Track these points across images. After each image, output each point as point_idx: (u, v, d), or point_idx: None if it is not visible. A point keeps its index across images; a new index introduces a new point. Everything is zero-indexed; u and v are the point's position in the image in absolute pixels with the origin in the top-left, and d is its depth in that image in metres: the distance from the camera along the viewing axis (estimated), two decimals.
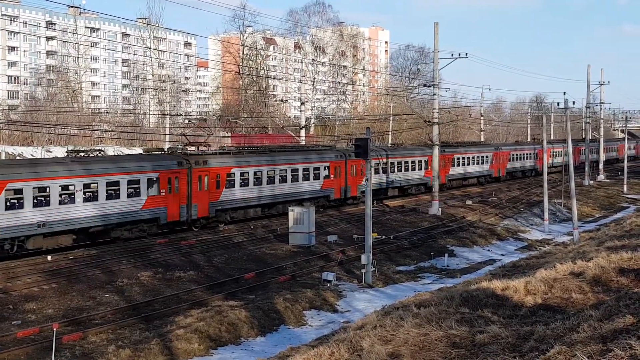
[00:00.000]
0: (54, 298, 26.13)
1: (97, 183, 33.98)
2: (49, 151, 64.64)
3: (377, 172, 54.09)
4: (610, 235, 33.84)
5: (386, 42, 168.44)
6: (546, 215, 50.79)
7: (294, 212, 37.68)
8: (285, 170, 45.83)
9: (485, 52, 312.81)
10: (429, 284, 31.75)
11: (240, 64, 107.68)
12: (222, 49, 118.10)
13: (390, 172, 56.96)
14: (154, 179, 36.91)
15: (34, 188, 31.36)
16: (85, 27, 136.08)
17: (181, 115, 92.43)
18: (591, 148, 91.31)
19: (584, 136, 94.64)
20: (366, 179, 32.97)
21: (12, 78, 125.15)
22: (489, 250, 41.80)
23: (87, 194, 33.49)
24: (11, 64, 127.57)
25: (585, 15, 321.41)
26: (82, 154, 37.14)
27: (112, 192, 34.76)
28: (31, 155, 61.83)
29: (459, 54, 53.85)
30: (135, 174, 35.96)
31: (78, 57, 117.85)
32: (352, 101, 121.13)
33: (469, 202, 58.41)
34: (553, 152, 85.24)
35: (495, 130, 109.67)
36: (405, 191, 60.73)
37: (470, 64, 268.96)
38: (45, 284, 27.71)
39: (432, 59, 55.58)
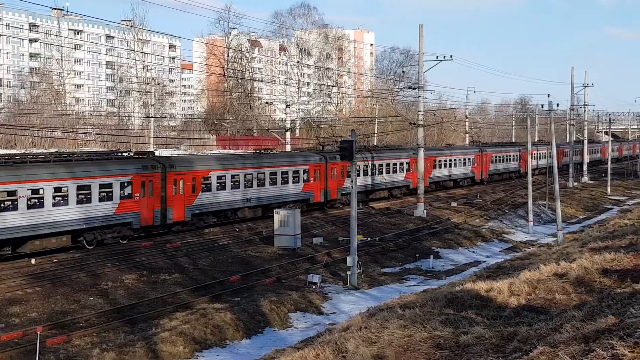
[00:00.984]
0: (38, 301, 25.95)
1: (67, 187, 32.95)
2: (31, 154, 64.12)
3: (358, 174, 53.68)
4: (593, 237, 34.10)
5: (371, 45, 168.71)
6: (530, 217, 51.05)
7: (279, 215, 37.57)
8: (264, 173, 45.24)
9: (470, 54, 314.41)
10: (414, 285, 31.84)
11: (225, 66, 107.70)
12: (206, 51, 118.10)
13: (372, 175, 56.67)
14: (126, 183, 36.15)
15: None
16: (69, 29, 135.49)
17: (166, 117, 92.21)
18: (575, 150, 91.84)
19: (568, 138, 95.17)
20: (351, 181, 33.02)
21: None
22: (474, 251, 41.96)
23: (56, 198, 32.55)
24: None
25: (569, 17, 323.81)
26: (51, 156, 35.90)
27: (83, 196, 33.76)
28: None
29: (444, 57, 54.02)
30: (106, 178, 35.04)
31: (62, 60, 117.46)
32: (338, 103, 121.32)
33: (454, 204, 58.59)
34: (537, 154, 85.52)
35: (479, 133, 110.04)
36: (390, 193, 60.59)
37: (456, 66, 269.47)
38: (29, 287, 27.48)
39: (418, 61, 55.79)
